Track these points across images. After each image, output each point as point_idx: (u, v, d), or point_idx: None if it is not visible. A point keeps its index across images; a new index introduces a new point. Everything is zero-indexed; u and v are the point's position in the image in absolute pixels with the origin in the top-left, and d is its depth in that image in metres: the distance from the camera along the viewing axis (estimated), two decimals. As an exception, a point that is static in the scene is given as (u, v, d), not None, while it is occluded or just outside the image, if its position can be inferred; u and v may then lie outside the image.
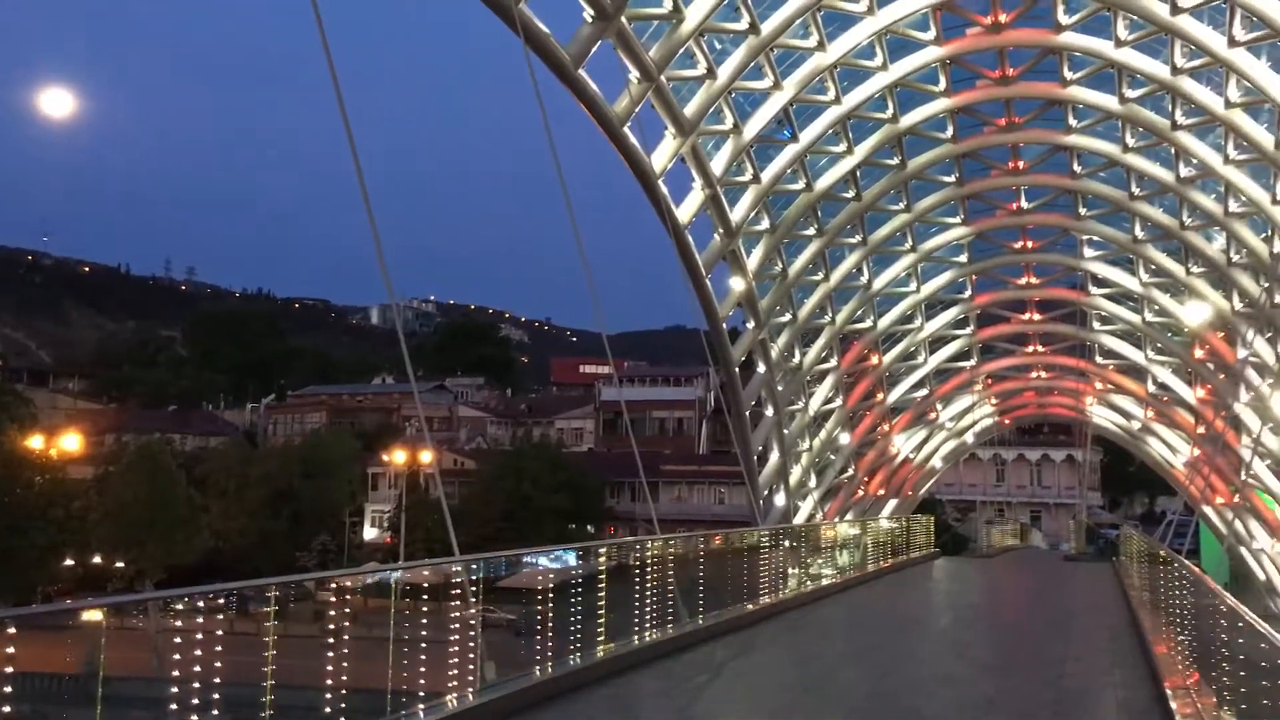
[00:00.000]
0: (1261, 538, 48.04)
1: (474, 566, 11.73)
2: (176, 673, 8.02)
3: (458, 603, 11.00)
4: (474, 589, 11.08)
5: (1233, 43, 26.80)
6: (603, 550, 14.22)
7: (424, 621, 10.85)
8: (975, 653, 17.83)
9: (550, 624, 12.24)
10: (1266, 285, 34.15)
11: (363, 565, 59.42)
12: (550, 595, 12.36)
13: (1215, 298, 39.58)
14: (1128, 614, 21.42)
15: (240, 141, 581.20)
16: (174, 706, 7.88)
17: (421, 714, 9.83)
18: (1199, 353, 43.76)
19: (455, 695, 10.39)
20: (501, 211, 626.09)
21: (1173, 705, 11.00)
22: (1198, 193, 35.16)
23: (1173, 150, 33.82)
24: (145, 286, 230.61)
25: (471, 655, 10.77)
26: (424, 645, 10.58)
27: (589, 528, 73.17)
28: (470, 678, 10.72)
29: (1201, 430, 47.46)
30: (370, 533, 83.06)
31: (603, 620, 13.49)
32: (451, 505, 59.92)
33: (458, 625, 10.72)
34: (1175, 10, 27.23)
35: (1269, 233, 32.98)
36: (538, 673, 11.79)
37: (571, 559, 13.18)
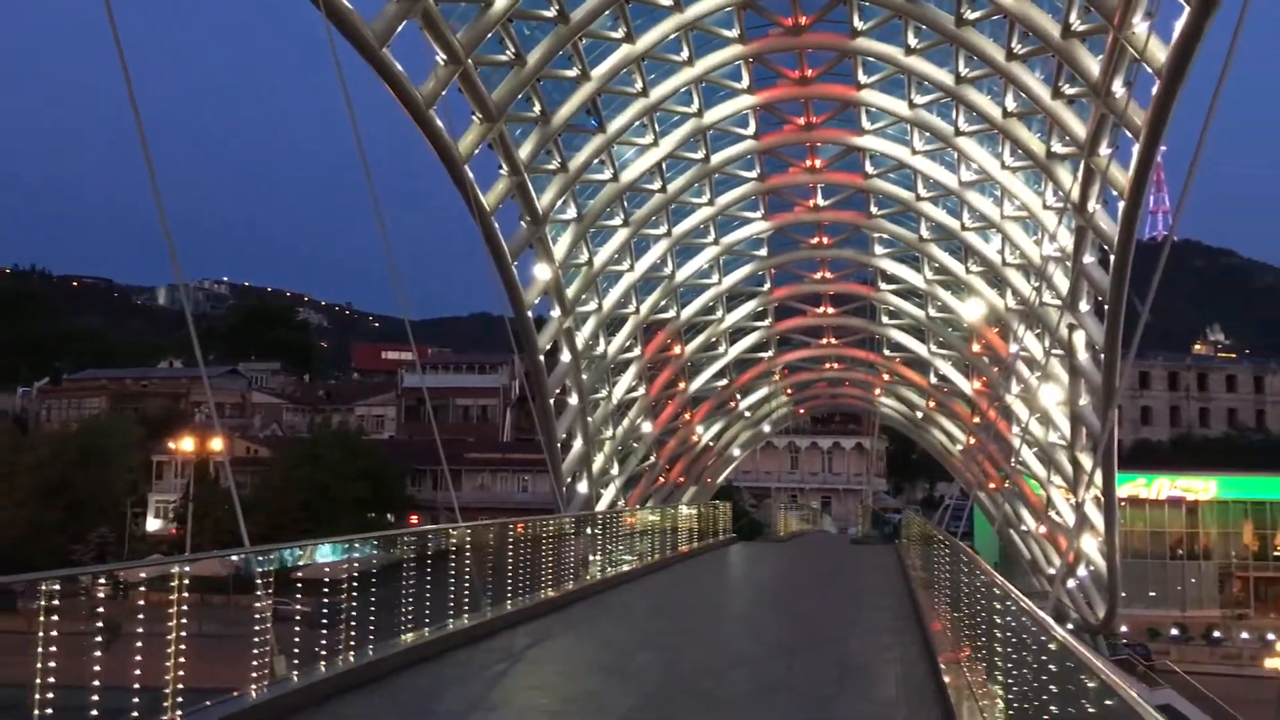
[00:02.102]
0: (1028, 520, 51.44)
1: (265, 557, 11.36)
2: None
3: (248, 595, 10.64)
4: (266, 581, 10.74)
5: (1010, 55, 28.50)
6: (403, 539, 14.03)
7: (212, 615, 10.45)
8: (767, 634, 18.48)
9: (347, 615, 11.99)
10: (1036, 285, 36.53)
11: (146, 558, 56.51)
12: (347, 586, 12.10)
13: (991, 295, 42.09)
14: (908, 593, 22.59)
15: (10, 109, 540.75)
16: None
17: (209, 711, 9.47)
18: (976, 347, 46.42)
19: (245, 690, 10.05)
20: (302, 192, 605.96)
21: (946, 679, 11.67)
22: (977, 196, 37.26)
23: (955, 155, 35.74)
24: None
25: (263, 649, 10.45)
26: (212, 640, 10.20)
27: (389, 516, 71.82)
28: (262, 672, 10.40)
29: (977, 420, 50.40)
30: (154, 524, 79.20)
31: (401, 610, 13.31)
32: (244, 495, 57.84)
33: (248, 618, 10.37)
34: (960, 22, 28.76)
35: (1040, 236, 35.27)
36: (333, 665, 11.53)
37: (370, 549, 12.91)
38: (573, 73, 30.65)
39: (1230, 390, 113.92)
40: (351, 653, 11.86)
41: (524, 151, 31.05)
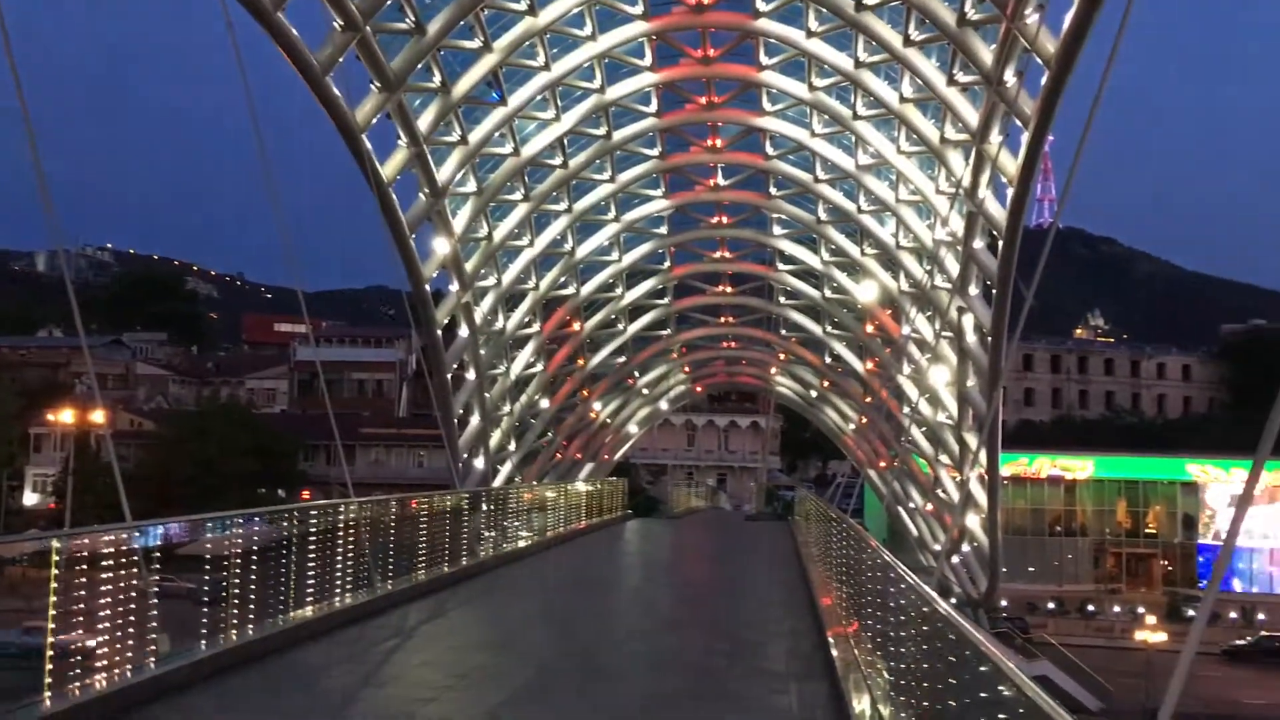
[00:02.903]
0: (916, 498, 52.78)
1: (148, 532, 11.05)
2: None
3: (130, 571, 10.35)
4: (148, 557, 10.45)
5: (908, 42, 29.01)
6: (292, 515, 13.77)
7: (91, 592, 10.13)
8: (661, 609, 18.67)
9: (234, 592, 11.75)
10: (928, 269, 37.39)
11: (24, 533, 54.55)
12: (236, 562, 11.85)
13: (885, 278, 42.95)
14: (799, 569, 23.00)
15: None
16: None
17: (87, 689, 9.21)
18: (869, 328, 47.38)
19: (126, 668, 9.80)
20: (194, 159, 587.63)
21: (834, 652, 11.93)
22: (873, 179, 37.93)
23: (853, 138, 36.30)
24: None
25: (145, 626, 10.19)
26: (92, 617, 9.89)
27: (280, 492, 70.43)
28: (145, 649, 10.15)
29: (869, 400, 51.48)
30: (31, 498, 76.41)
31: (290, 587, 13.09)
32: (127, 468, 56.15)
33: (130, 595, 10.09)
34: (860, 7, 29.14)
35: (932, 220, 36.08)
36: (217, 642, 11.30)
37: (258, 524, 12.66)
38: (474, 44, 30.25)
39: (1108, 374, 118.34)
40: (236, 630, 11.63)
41: (424, 123, 30.58)
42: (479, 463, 41.91)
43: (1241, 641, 60.25)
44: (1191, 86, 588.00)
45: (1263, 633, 62.37)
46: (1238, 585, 74.49)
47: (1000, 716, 5.17)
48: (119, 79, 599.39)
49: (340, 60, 25.26)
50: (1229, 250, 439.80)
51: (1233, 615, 67.30)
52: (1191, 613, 63.45)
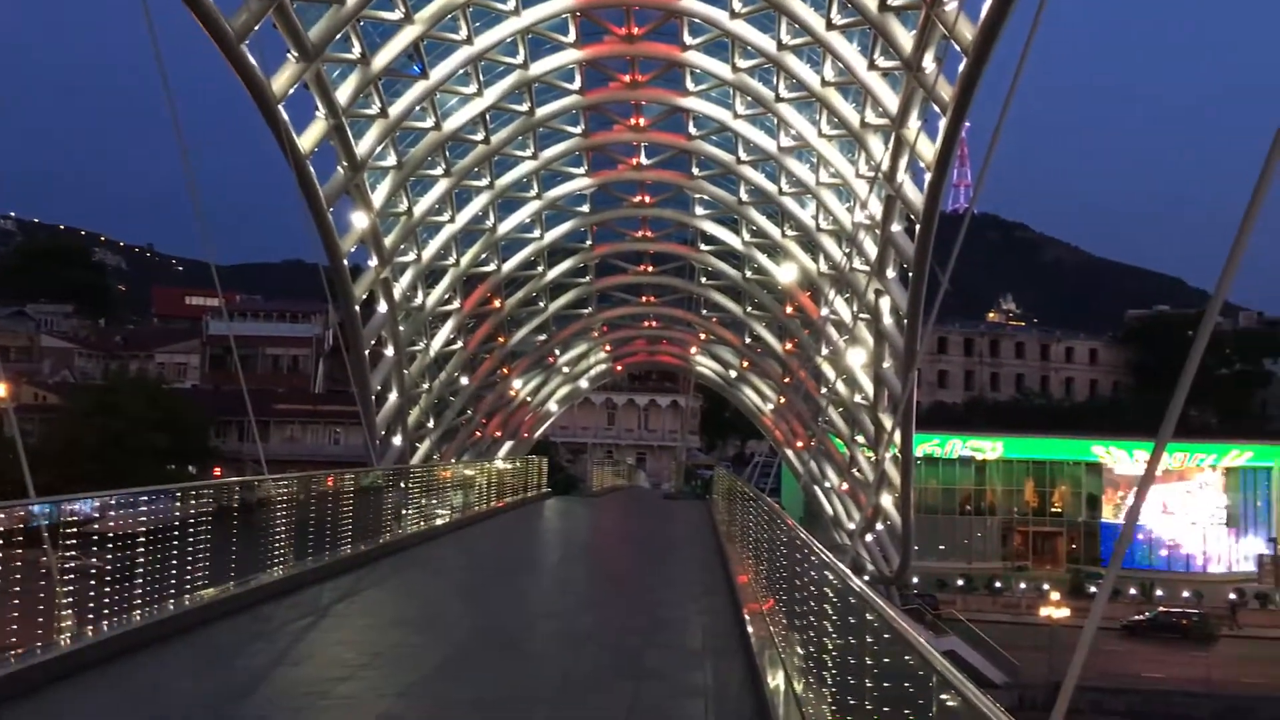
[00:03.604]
0: (832, 477, 53.56)
1: (53, 509, 10.77)
2: None
3: (32, 549, 10.08)
4: (54, 534, 10.19)
5: (830, 25, 29.25)
6: (203, 491, 13.50)
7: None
8: (577, 587, 18.73)
9: (142, 570, 11.51)
10: (847, 251, 37.83)
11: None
12: (144, 540, 11.60)
13: (805, 260, 43.38)
14: (716, 547, 23.23)
15: None
16: None
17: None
18: (789, 310, 47.86)
19: (28, 649, 9.55)
20: (102, 125, 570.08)
21: (750, 630, 12.08)
22: (795, 162, 38.23)
23: (775, 121, 36.53)
24: None
25: (51, 605, 9.95)
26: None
27: (192, 469, 68.98)
28: (52, 629, 9.91)
29: (787, 380, 52.04)
30: (-72, 474, 73.75)
31: (201, 565, 12.86)
32: (30, 443, 54.48)
33: (32, 574, 9.83)
34: (784, -11, 29.32)
35: (852, 203, 36.50)
36: (125, 621, 11.07)
37: (167, 501, 12.40)
38: (395, 15, 29.76)
39: (1019, 357, 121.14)
40: (144, 609, 11.40)
41: (343, 94, 30.03)
42: (397, 440, 41.51)
43: (1140, 617, 62.33)
44: (1103, 76, 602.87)
45: (1160, 608, 64.60)
46: (1134, 562, 77.21)
47: (909, 688, 5.29)
48: (21, 42, 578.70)
49: (256, 28, 24.65)
50: (1134, 237, 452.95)
51: (1132, 591, 69.63)
52: (1094, 589, 65.57)
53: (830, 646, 8.01)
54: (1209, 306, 8.94)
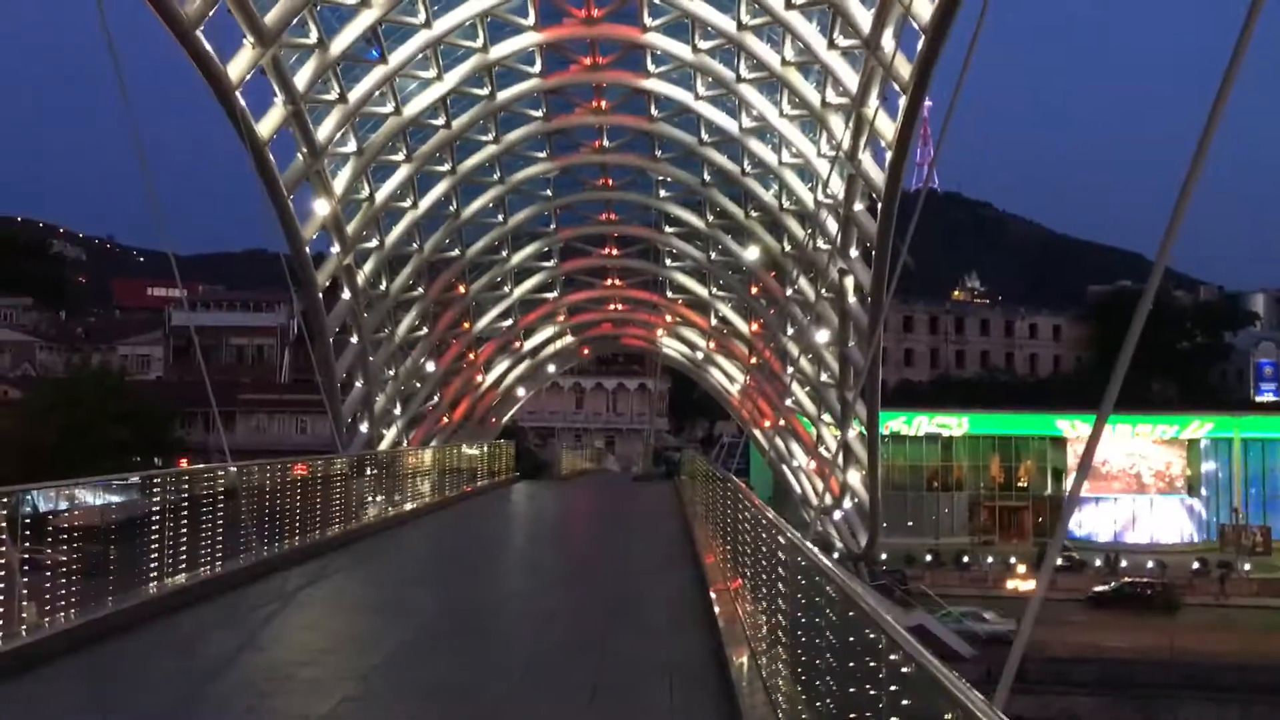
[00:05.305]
0: (800, 456, 53.89)
1: (16, 500, 10.68)
2: None
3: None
4: (15, 526, 10.12)
5: (789, 5, 29.27)
6: (167, 481, 13.43)
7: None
8: (546, 569, 18.79)
9: (107, 560, 11.46)
10: (810, 230, 37.99)
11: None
12: (108, 530, 11.55)
13: (769, 240, 43.52)
14: (684, 528, 23.34)
15: None
16: None
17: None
18: (754, 289, 48.00)
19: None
20: (59, 115, 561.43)
21: (716, 609, 12.17)
22: (757, 142, 38.28)
23: (737, 101, 36.55)
24: None
25: (12, 597, 9.89)
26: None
27: (157, 460, 68.37)
28: (14, 620, 9.86)
29: (754, 360, 52.25)
30: (-113, 471, 72.78)
31: (166, 553, 12.81)
32: (-9, 438, 53.71)
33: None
34: (742, -30, 29.31)
35: (814, 183, 36.63)
36: (90, 611, 11.02)
37: (132, 491, 12.34)
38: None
39: (984, 334, 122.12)
40: (111, 598, 11.36)
41: (301, 80, 29.78)
42: (364, 427, 41.37)
43: (1104, 588, 63.21)
44: (1064, 54, 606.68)
45: (1125, 579, 65.53)
46: (1100, 535, 78.29)
47: (871, 663, 5.37)
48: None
49: (210, 14, 24.39)
50: (1096, 214, 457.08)
51: (1097, 563, 70.58)
52: (1060, 561, 66.41)
53: (796, 623, 8.09)
54: (1149, 280, 9.10)
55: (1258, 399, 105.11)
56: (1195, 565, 69.24)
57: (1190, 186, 7.94)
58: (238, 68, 26.61)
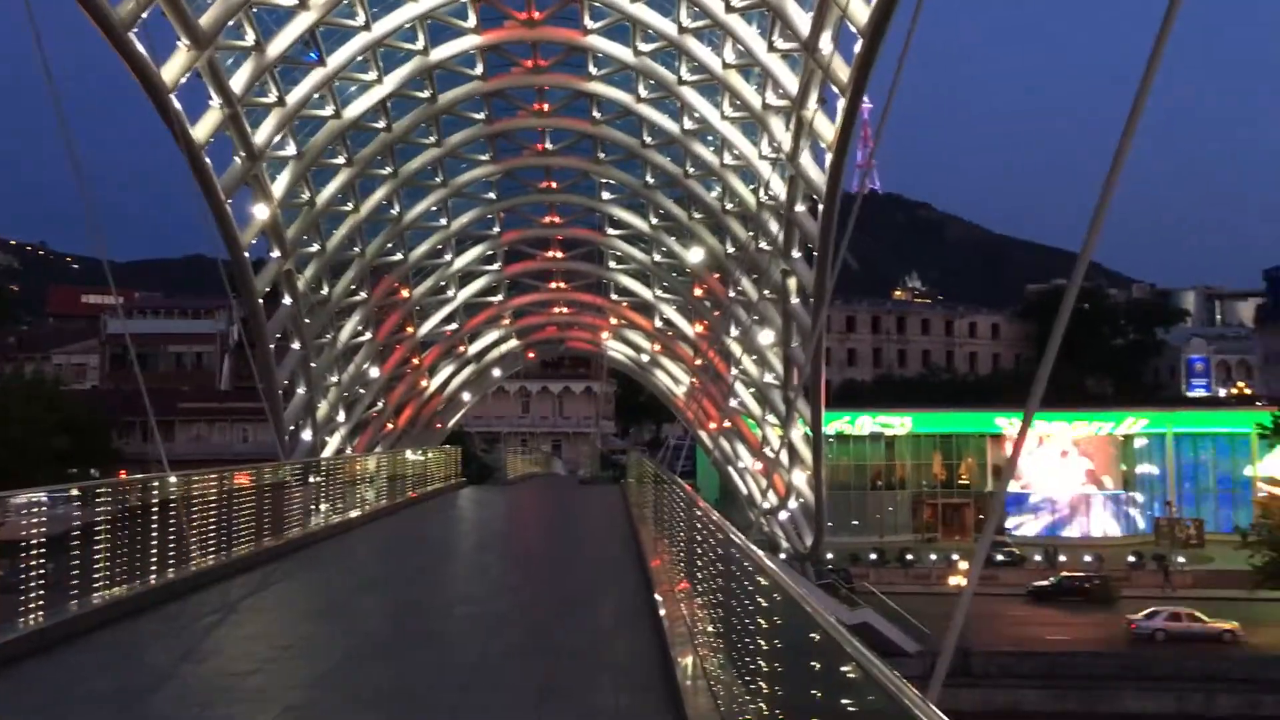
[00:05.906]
0: (745, 457, 54.15)
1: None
2: None
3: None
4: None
5: (729, 8, 29.49)
6: (104, 492, 13.19)
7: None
8: (493, 574, 18.72)
9: (41, 572, 11.22)
10: (752, 232, 38.23)
11: None
12: (43, 543, 11.31)
13: (712, 241, 43.72)
14: (630, 531, 23.36)
15: None
16: None
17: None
18: (698, 291, 48.17)
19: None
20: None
21: (661, 611, 12.21)
22: (699, 145, 38.47)
23: (678, 104, 36.70)
24: None
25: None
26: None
27: (94, 471, 67.07)
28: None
29: (699, 362, 52.45)
30: None
31: (103, 565, 12.58)
32: (-80, 451, 52.36)
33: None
34: (682, -27, 29.45)
35: (756, 185, 36.87)
36: (19, 626, 10.79)
37: (65, 503, 12.11)
38: (289, 1, 29.21)
39: (925, 333, 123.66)
40: (44, 611, 11.13)
41: (237, 83, 29.42)
42: (306, 435, 40.90)
43: (1044, 582, 64.15)
44: (998, 56, 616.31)
45: (1063, 573, 66.57)
46: (1038, 531, 79.59)
47: (812, 663, 5.43)
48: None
49: (144, 15, 24.02)
50: (1034, 214, 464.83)
51: (1037, 558, 71.63)
52: (1000, 557, 67.35)
53: (740, 624, 8.14)
54: (1072, 275, 9.28)
55: (1189, 394, 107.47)
56: (1131, 559, 70.53)
57: (1113, 179, 8.12)
58: (172, 70, 26.23)
